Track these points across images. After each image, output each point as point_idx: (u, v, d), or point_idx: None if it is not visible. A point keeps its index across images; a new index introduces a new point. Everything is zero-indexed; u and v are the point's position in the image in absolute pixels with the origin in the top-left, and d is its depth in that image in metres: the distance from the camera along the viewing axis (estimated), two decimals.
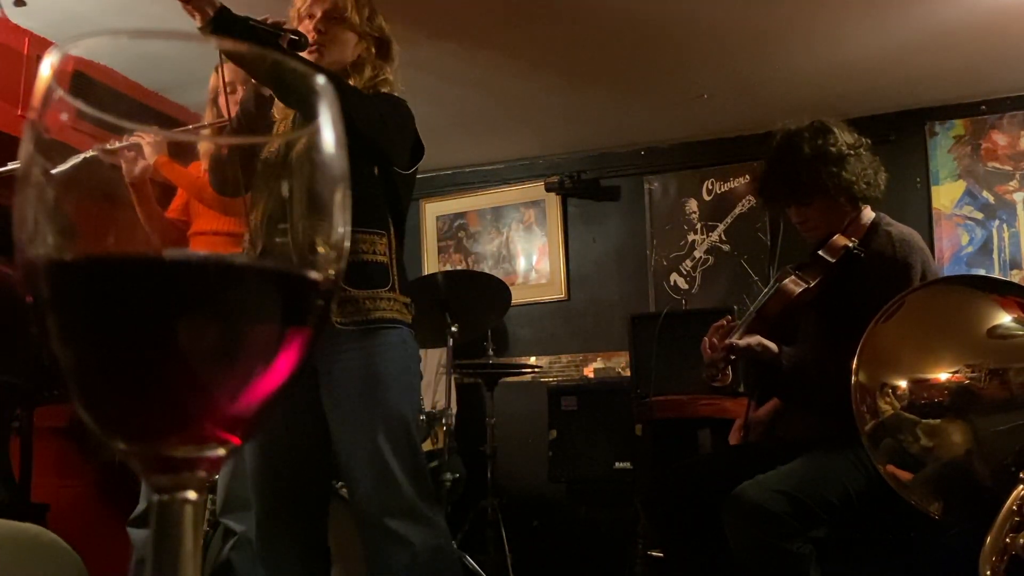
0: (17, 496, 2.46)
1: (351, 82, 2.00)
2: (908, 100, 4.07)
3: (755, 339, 2.08)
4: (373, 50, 2.06)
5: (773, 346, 2.09)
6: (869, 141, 2.22)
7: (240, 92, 2.35)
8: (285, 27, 1.87)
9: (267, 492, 1.99)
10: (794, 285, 2.13)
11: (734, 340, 2.07)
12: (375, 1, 2.09)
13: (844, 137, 2.16)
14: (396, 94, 2.07)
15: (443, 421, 3.46)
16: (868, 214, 2.23)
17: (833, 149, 2.13)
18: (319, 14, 1.97)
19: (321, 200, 0.38)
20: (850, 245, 2.11)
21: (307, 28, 1.96)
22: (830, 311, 2.14)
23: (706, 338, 2.17)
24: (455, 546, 2.03)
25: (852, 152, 2.14)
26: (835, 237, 2.14)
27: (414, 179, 2.15)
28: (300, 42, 1.87)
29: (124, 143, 0.38)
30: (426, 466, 2.01)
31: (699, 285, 4.51)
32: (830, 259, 2.11)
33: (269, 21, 1.86)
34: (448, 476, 3.40)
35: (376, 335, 1.95)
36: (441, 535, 1.98)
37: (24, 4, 2.68)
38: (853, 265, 2.12)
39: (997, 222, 4.02)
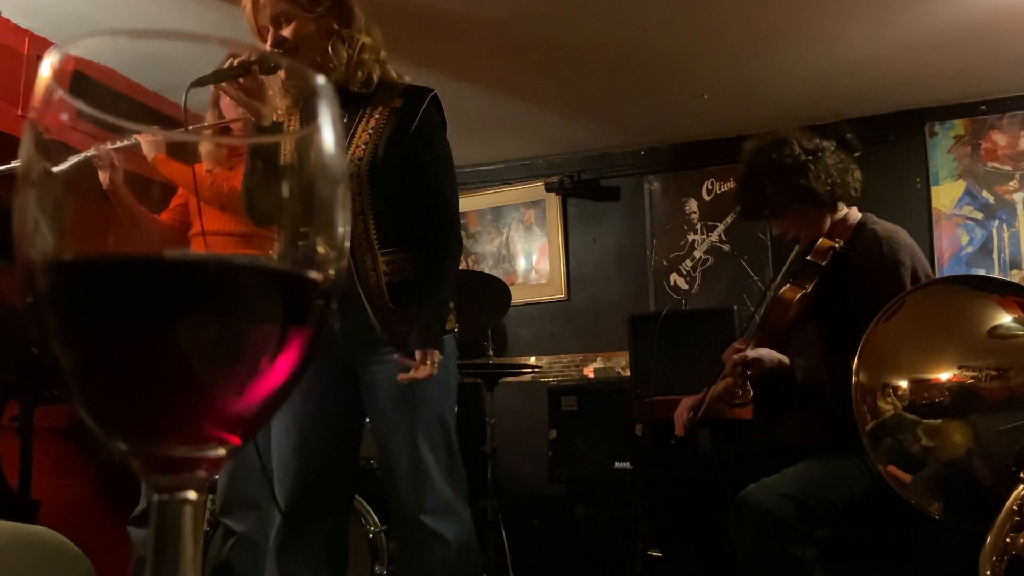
0: (7, 493, 2.46)
1: (331, 73, 1.90)
2: (908, 100, 4.07)
3: (766, 351, 2.08)
4: (335, 25, 1.93)
5: (785, 358, 2.09)
6: (833, 144, 2.25)
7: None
8: (251, 60, 1.78)
9: (297, 487, 2.00)
10: (792, 292, 2.15)
11: (747, 352, 2.07)
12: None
13: (803, 144, 2.20)
14: (384, 52, 2.01)
15: None
16: (854, 214, 2.26)
17: (790, 160, 2.17)
18: (270, 24, 1.88)
19: (322, 200, 0.38)
20: (836, 246, 2.16)
21: (269, 43, 1.88)
22: (827, 318, 2.15)
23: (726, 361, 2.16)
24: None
25: (811, 158, 2.17)
26: (820, 241, 2.19)
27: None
28: (271, 65, 1.76)
29: (123, 144, 0.38)
30: (461, 463, 2.04)
31: (699, 285, 4.51)
32: (821, 262, 2.15)
33: (235, 63, 1.79)
34: None
35: None
36: (471, 531, 2.01)
37: None
38: (843, 266, 2.15)
39: (997, 222, 4.02)
